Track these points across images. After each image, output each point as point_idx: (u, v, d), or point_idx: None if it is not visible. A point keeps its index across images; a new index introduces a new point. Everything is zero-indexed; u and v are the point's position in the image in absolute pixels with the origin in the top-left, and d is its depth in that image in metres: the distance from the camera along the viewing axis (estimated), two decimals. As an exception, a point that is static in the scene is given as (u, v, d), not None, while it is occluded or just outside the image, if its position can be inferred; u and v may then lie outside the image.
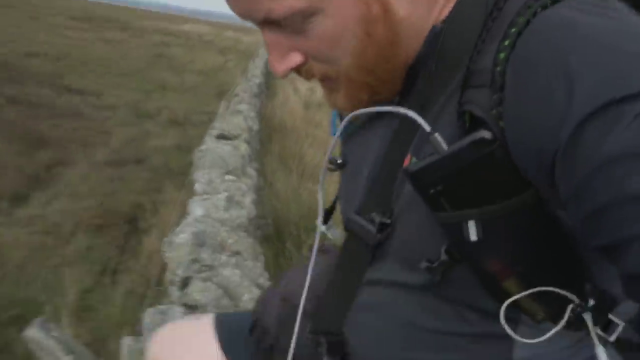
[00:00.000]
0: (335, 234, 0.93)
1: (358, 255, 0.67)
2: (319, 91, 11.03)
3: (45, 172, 4.83)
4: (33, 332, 0.91)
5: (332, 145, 0.69)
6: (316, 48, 0.58)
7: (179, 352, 0.93)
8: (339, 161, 0.74)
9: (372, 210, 0.64)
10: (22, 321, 2.77)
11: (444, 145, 0.53)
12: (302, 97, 10.00)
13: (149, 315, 1.64)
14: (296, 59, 0.60)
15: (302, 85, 10.82)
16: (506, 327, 0.56)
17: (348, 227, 0.68)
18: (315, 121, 8.78)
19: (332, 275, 0.73)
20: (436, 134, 0.53)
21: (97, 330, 2.62)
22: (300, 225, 3.96)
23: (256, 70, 9.66)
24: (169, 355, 0.93)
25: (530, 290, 0.54)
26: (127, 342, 1.96)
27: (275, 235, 3.65)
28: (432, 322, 0.63)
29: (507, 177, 0.51)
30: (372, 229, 0.63)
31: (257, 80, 8.52)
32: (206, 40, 15.64)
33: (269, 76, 10.15)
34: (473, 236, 0.52)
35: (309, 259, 0.93)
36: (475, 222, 0.52)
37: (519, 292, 0.55)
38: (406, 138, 0.61)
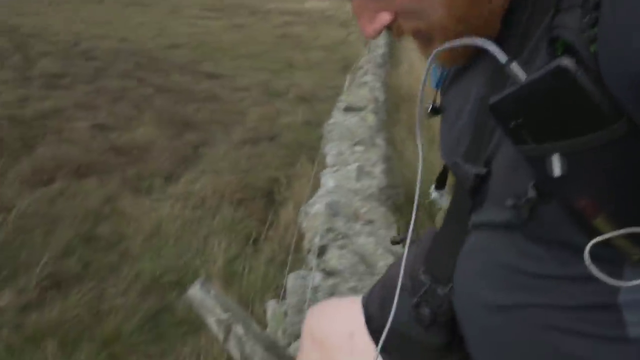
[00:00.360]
0: (444, 201, 0.91)
1: (463, 200, 0.67)
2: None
3: (191, 152, 5.28)
4: (195, 291, 1.02)
5: (421, 90, 0.68)
6: (404, 4, 0.59)
7: (329, 328, 0.97)
8: (437, 106, 0.75)
9: (471, 154, 0.64)
10: (179, 286, 3.11)
11: (522, 75, 0.50)
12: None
13: (290, 280, 1.73)
14: (385, 18, 0.61)
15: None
16: (592, 267, 0.52)
17: (453, 172, 0.69)
18: (443, 88, 8.47)
19: (442, 224, 0.74)
20: (513, 64, 0.51)
21: (243, 294, 2.84)
22: (430, 194, 3.89)
23: (379, 40, 9.53)
24: (323, 330, 0.98)
25: (622, 231, 0.50)
26: (271, 305, 2.10)
27: (406, 204, 3.63)
28: (529, 264, 0.60)
29: (594, 108, 0.46)
30: (471, 172, 0.62)
31: (381, 51, 8.41)
32: (327, 16, 15.75)
33: (392, 46, 9.97)
34: (557, 171, 0.49)
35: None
36: (559, 157, 0.49)
37: (610, 231, 0.51)
38: (501, 79, 0.59)
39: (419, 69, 9.21)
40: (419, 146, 0.74)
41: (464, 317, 0.71)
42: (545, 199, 0.54)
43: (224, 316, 1.04)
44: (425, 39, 0.63)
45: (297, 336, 1.71)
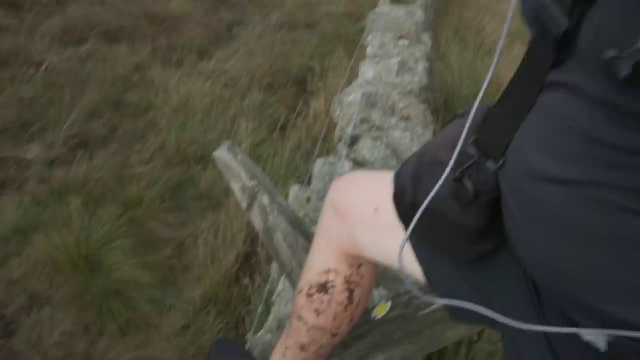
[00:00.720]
0: None
1: (542, 55, 0.56)
2: (506, -42, 9.73)
3: (225, 30, 5.07)
4: (222, 153, 0.95)
5: None
6: None
7: (353, 200, 0.90)
8: None
9: None
10: (203, 160, 3.10)
11: None
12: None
13: (317, 166, 1.67)
14: None
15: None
16: None
17: (535, 16, 0.56)
18: (498, -7, 7.88)
19: (507, 86, 0.63)
20: None
21: (267, 178, 2.82)
22: (469, 102, 3.71)
23: None
24: (346, 202, 0.91)
25: None
26: (294, 189, 2.06)
27: (443, 108, 3.47)
28: (615, 135, 0.50)
29: None
30: (563, 16, 0.51)
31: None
32: None
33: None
34: None
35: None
36: None
37: None
38: None
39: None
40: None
41: (512, 192, 0.62)
42: None
43: (249, 183, 0.98)
44: None
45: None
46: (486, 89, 0.69)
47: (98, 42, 4.12)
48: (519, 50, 4.84)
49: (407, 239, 0.71)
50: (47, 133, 3.05)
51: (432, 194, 0.66)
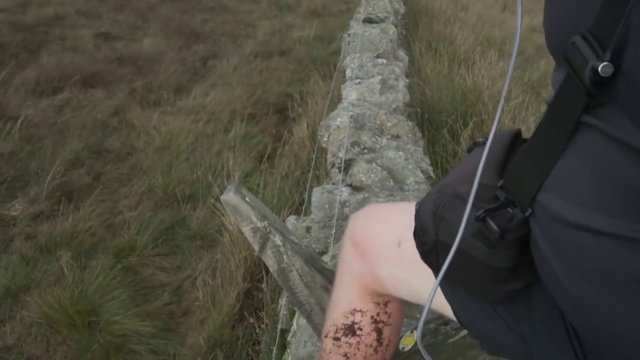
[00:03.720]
0: None
1: (576, 94, 0.50)
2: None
3: (201, 65, 5.06)
4: (230, 196, 0.91)
5: None
6: None
7: (374, 236, 0.85)
8: None
9: (601, 29, 0.45)
10: (192, 200, 3.04)
11: None
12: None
13: (316, 195, 1.63)
14: None
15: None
16: None
17: (565, 54, 0.50)
18: (462, 4, 8.04)
19: (537, 127, 0.58)
20: None
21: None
22: (452, 113, 3.72)
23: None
24: (367, 238, 0.86)
25: None
26: (291, 220, 2.02)
27: (427, 123, 3.48)
28: None
29: None
30: (593, 56, 0.45)
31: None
32: None
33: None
34: None
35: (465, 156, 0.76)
36: None
37: None
38: None
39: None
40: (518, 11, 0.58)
41: (545, 239, 0.58)
42: None
43: (260, 224, 0.94)
44: None
45: (322, 252, 1.63)
46: (499, 117, 0.66)
47: (74, 90, 4.07)
48: (493, 58, 4.92)
49: (437, 286, 0.66)
50: (29, 187, 2.97)
51: (457, 239, 0.62)
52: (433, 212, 0.70)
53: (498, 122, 0.66)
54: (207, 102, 4.13)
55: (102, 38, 5.36)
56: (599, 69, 0.44)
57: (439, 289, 0.73)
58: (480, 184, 0.62)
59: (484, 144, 0.64)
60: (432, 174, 1.98)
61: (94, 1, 6.63)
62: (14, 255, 2.50)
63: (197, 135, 3.61)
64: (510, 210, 0.61)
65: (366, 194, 1.66)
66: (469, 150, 0.76)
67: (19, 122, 3.44)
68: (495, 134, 0.64)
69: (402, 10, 4.85)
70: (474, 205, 0.62)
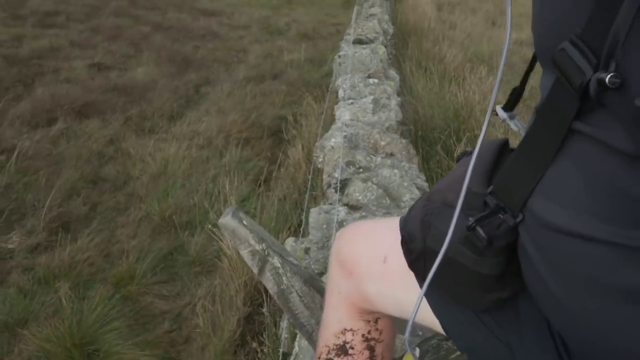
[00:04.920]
0: (519, 125, 0.75)
1: (566, 101, 0.51)
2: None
3: (194, 91, 5.10)
4: (227, 220, 0.92)
5: None
6: None
7: (359, 253, 0.85)
8: None
9: (591, 35, 0.46)
10: (190, 226, 3.04)
11: None
12: (434, -3, 9.28)
13: (313, 215, 1.64)
14: None
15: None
16: None
17: (555, 61, 0.51)
18: (451, 22, 8.16)
19: (526, 134, 0.58)
20: None
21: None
22: (445, 129, 3.75)
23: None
24: (352, 256, 0.86)
25: None
26: (289, 242, 2.02)
27: (421, 140, 3.50)
28: None
29: None
30: (586, 61, 0.46)
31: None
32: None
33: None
34: None
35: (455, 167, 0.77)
36: None
37: None
38: None
39: (425, 2, 8.83)
40: (508, 21, 0.59)
41: (535, 246, 0.58)
42: None
43: (258, 247, 0.94)
44: None
45: (321, 273, 1.63)
46: (486, 129, 0.67)
47: (69, 120, 4.09)
48: (483, 73, 4.98)
49: (422, 296, 0.66)
50: (26, 219, 2.97)
51: (445, 245, 0.62)
52: (421, 219, 0.70)
53: (486, 132, 0.67)
54: (202, 128, 4.15)
55: (95, 68, 5.40)
56: (607, 80, 0.44)
57: (425, 300, 0.72)
58: (469, 191, 0.63)
59: (472, 153, 0.65)
60: (428, 190, 1.99)
61: (88, 32, 6.71)
62: (12, 288, 2.48)
63: (193, 161, 3.62)
64: (502, 216, 0.61)
65: (363, 213, 1.67)
66: (458, 160, 0.77)
67: (15, 154, 3.44)
68: (483, 143, 0.65)
69: (391, 31, 4.92)
70: (463, 212, 0.62)
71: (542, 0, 0.55)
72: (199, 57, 6.15)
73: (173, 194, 3.21)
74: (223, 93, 5.02)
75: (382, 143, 2.21)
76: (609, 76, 0.44)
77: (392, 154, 2.15)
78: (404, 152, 2.15)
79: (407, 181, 1.84)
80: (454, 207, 0.63)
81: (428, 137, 3.71)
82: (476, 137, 3.64)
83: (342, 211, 1.68)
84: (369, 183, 1.79)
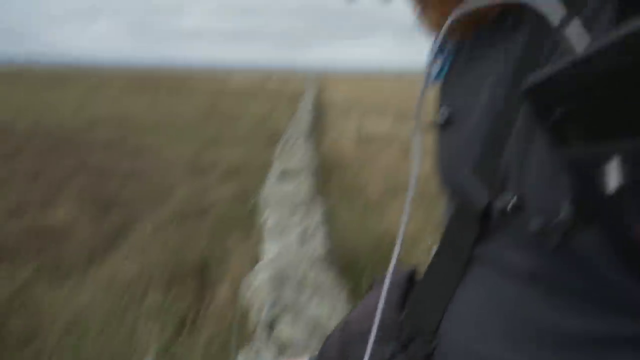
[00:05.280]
0: None
1: (465, 229, 0.53)
2: (369, 126, 11.01)
3: (115, 233, 4.92)
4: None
5: (421, 98, 0.56)
6: None
7: None
8: (443, 113, 0.59)
9: (482, 169, 0.50)
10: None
11: (581, 42, 0.39)
12: (354, 133, 9.98)
13: (242, 358, 1.53)
14: None
15: (352, 122, 10.83)
16: None
17: (455, 191, 0.55)
18: (371, 153, 8.71)
19: (432, 259, 0.59)
20: (572, 25, 0.40)
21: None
22: (372, 257, 3.81)
23: (305, 111, 9.74)
24: None
25: None
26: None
27: (347, 270, 3.51)
28: (549, 316, 0.46)
29: None
30: (483, 190, 0.49)
31: (308, 120, 8.56)
32: (253, 91, 16.12)
33: (319, 116, 10.24)
34: (613, 183, 0.35)
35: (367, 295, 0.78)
36: (620, 163, 0.34)
37: None
38: (535, 57, 0.46)
39: (346, 137, 9.46)
40: (416, 158, 0.62)
41: None
42: (586, 222, 0.40)
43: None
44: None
45: None
46: (398, 253, 0.68)
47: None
48: (401, 202, 5.24)
49: None
50: None
51: None
52: (337, 351, 0.68)
53: (397, 260, 0.67)
54: (121, 273, 3.94)
55: (10, 211, 5.14)
56: (503, 204, 0.46)
57: None
58: (383, 321, 0.62)
59: (383, 281, 0.65)
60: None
61: (5, 174, 6.48)
62: None
63: (109, 310, 3.37)
64: (417, 344, 0.60)
65: (293, 352, 1.58)
66: (369, 289, 0.77)
67: None
68: (395, 270, 0.66)
69: (315, 163, 5.14)
70: (380, 341, 0.61)
71: (439, 141, 0.60)
72: (122, 197, 6.05)
73: (84, 349, 2.92)
74: (147, 233, 4.88)
75: (310, 276, 2.17)
76: (505, 201, 0.46)
77: (320, 287, 2.11)
78: (332, 285, 2.12)
79: (337, 314, 1.80)
80: (368, 336, 0.62)
81: (356, 266, 3.73)
82: (402, 263, 3.71)
83: (270, 351, 1.58)
84: (298, 319, 1.72)
